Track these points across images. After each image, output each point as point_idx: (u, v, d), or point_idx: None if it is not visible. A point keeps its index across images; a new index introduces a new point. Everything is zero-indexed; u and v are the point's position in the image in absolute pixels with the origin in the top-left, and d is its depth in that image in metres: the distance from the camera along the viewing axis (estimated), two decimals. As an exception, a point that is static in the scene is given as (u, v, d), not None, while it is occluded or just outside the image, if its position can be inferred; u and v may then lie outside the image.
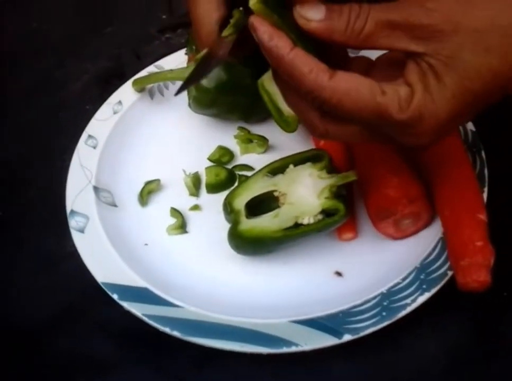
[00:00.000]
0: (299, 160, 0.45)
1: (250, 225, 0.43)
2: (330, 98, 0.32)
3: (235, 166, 0.52)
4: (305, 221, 0.42)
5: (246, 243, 0.44)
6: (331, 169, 0.44)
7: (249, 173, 0.50)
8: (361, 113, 0.32)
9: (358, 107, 0.32)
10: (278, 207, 0.43)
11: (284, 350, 0.39)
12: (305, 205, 0.42)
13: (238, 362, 0.41)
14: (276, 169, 0.45)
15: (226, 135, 0.54)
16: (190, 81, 0.37)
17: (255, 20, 0.32)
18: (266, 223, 0.43)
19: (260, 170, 0.46)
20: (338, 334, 0.39)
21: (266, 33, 0.32)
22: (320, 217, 0.42)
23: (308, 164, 0.44)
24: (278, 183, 0.44)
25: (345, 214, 0.42)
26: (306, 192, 0.43)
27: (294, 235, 0.42)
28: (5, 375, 0.42)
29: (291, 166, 0.45)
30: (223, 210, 0.46)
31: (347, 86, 0.32)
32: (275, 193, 0.44)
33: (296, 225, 0.42)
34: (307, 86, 0.33)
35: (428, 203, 0.44)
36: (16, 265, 0.48)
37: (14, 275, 0.47)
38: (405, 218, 0.44)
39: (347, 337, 0.39)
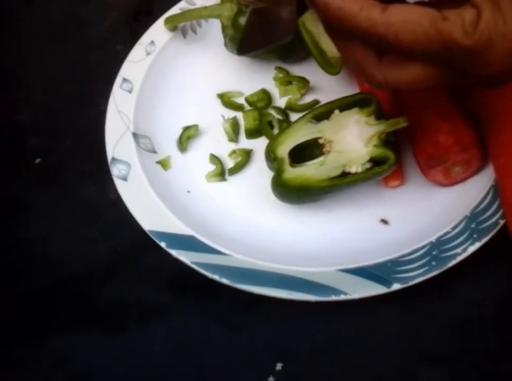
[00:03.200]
0: (345, 105, 0.43)
1: (295, 173, 0.42)
2: (386, 33, 0.31)
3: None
4: (353, 170, 0.41)
5: (291, 192, 0.43)
6: (380, 115, 0.42)
7: (289, 118, 0.49)
8: (422, 44, 0.30)
9: (417, 37, 0.30)
10: (322, 153, 0.42)
11: (333, 298, 0.39)
12: (353, 153, 0.41)
13: (285, 310, 0.41)
14: (321, 114, 0.43)
15: (264, 77, 0.52)
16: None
17: None
18: (312, 171, 0.42)
19: (303, 116, 0.44)
20: (387, 283, 0.39)
21: None
22: (368, 165, 0.41)
23: (355, 109, 0.43)
24: (323, 130, 0.43)
25: (394, 162, 0.41)
26: (353, 140, 0.42)
27: (341, 184, 0.42)
28: (58, 322, 0.43)
29: (337, 111, 0.43)
30: (265, 158, 0.45)
31: (402, 17, 0.30)
32: (320, 141, 0.43)
33: (344, 174, 0.42)
34: (360, 26, 0.31)
35: (481, 150, 0.42)
36: (60, 214, 0.48)
37: (59, 223, 0.48)
38: (456, 165, 0.42)
39: (396, 286, 0.39)
